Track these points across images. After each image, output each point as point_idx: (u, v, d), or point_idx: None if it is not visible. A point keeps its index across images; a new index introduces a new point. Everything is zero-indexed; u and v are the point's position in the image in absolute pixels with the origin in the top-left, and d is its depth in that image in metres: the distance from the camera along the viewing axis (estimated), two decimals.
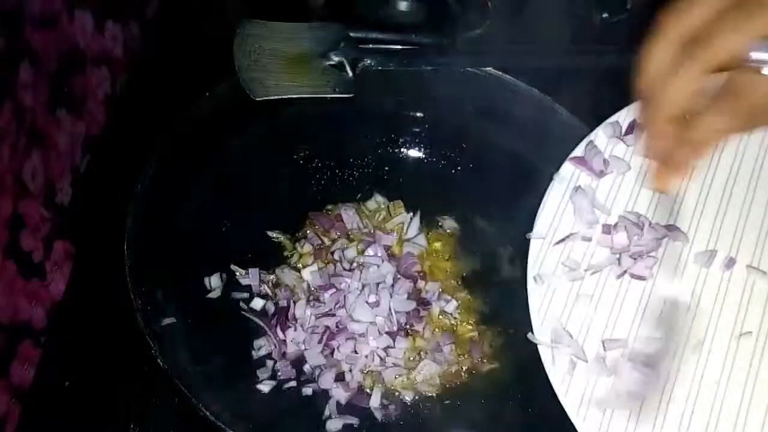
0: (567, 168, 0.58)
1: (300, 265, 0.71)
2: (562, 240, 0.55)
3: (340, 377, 0.66)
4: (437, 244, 0.74)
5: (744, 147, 0.58)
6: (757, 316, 0.52)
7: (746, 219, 0.55)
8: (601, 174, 0.58)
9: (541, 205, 0.57)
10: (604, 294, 0.53)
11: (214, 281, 0.69)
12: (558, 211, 0.57)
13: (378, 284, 0.69)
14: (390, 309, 0.68)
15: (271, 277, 0.71)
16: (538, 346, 0.52)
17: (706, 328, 0.52)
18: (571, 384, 0.51)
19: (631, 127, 0.59)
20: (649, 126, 0.48)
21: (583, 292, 0.53)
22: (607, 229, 0.55)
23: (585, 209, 0.56)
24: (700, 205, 0.56)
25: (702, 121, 0.46)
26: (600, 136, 0.59)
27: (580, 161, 0.58)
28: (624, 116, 0.59)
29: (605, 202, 0.56)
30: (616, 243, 0.55)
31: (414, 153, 0.78)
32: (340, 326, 0.67)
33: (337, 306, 0.68)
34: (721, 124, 0.46)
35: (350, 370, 0.66)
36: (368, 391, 0.66)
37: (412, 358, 0.68)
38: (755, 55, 0.43)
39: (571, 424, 0.51)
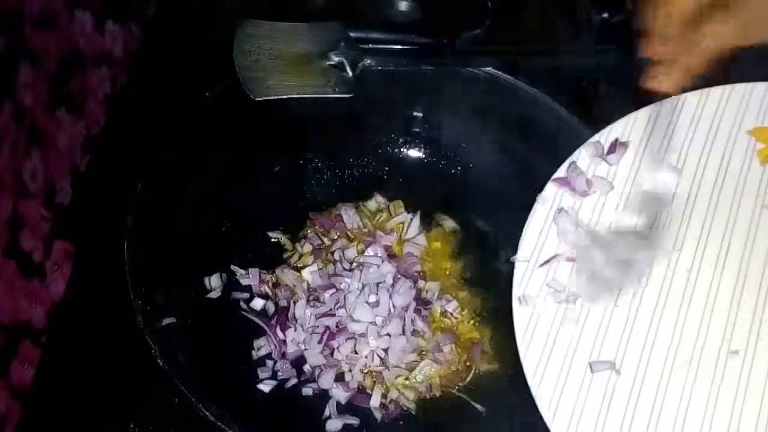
0: (550, 189, 0.58)
1: (300, 265, 0.71)
2: (547, 262, 0.55)
3: (340, 377, 0.66)
4: (437, 244, 0.74)
5: (727, 162, 0.57)
6: (744, 332, 0.51)
7: (730, 238, 0.54)
8: (584, 194, 0.57)
9: (525, 227, 0.57)
10: (590, 315, 0.53)
11: (214, 281, 0.69)
12: (542, 232, 0.56)
13: (378, 284, 0.69)
14: (390, 309, 0.68)
15: (271, 277, 0.71)
16: (525, 372, 0.52)
17: (693, 346, 0.51)
18: (558, 407, 0.50)
19: (614, 146, 0.58)
20: (659, 26, 0.52)
21: (569, 315, 0.53)
22: None
23: (568, 231, 0.56)
24: (684, 223, 0.55)
25: (705, 26, 0.50)
26: (582, 156, 0.58)
27: (563, 182, 0.58)
28: (606, 136, 0.59)
29: (589, 223, 0.56)
30: None
31: (414, 153, 0.78)
32: (340, 326, 0.67)
33: (337, 306, 0.68)
34: (723, 32, 0.50)
35: (350, 370, 0.67)
36: (368, 391, 0.66)
37: (412, 358, 0.67)
38: None
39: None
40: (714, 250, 0.54)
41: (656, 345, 0.51)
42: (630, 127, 0.59)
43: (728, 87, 0.59)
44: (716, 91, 0.59)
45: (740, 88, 0.59)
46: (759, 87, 0.59)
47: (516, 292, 0.54)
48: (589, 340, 0.52)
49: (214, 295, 0.68)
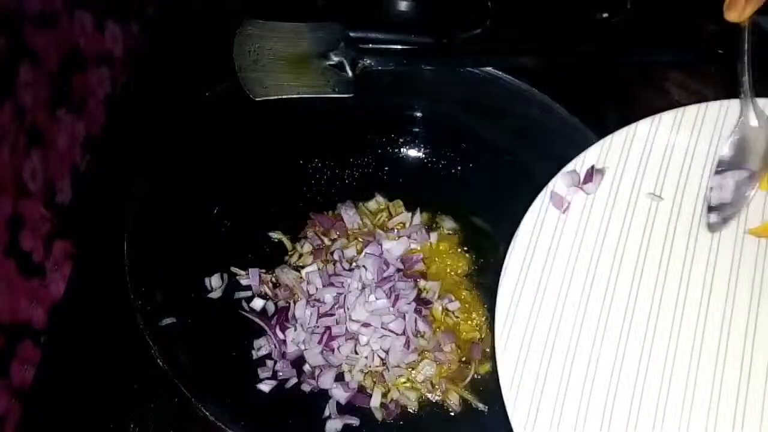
0: (527, 224, 0.57)
1: (300, 265, 0.71)
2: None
3: (340, 377, 0.66)
4: (438, 244, 0.74)
5: (706, 184, 0.57)
6: (737, 360, 0.51)
7: (714, 265, 0.54)
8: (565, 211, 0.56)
9: (504, 266, 0.55)
10: (577, 359, 0.52)
11: (215, 281, 0.69)
12: (521, 272, 0.55)
13: (378, 284, 0.68)
14: (390, 309, 0.67)
15: (271, 277, 0.71)
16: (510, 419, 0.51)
17: (686, 380, 0.51)
18: None
19: (590, 175, 0.57)
20: None
21: (555, 363, 0.52)
22: None
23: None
24: (666, 251, 0.55)
25: None
26: (558, 186, 0.57)
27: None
28: (581, 163, 0.58)
29: (570, 252, 0.55)
30: None
31: (414, 153, 0.78)
32: (340, 326, 0.67)
33: (337, 306, 0.68)
34: None
35: (350, 371, 0.66)
36: (368, 391, 0.66)
37: (412, 358, 0.67)
38: None
39: None
40: (699, 278, 0.53)
41: (647, 385, 0.51)
42: (605, 152, 0.58)
43: (703, 105, 0.58)
44: (691, 110, 0.58)
45: (715, 106, 0.58)
46: (734, 104, 0.57)
47: (499, 336, 0.53)
48: (577, 387, 0.51)
49: (215, 295, 0.68)
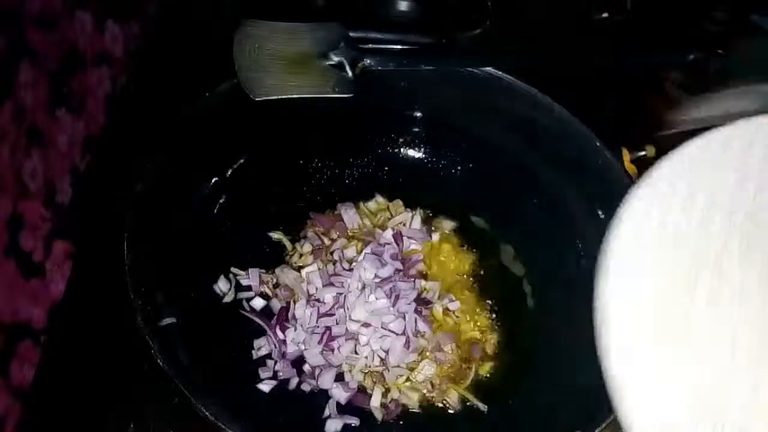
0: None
1: (300, 265, 0.71)
2: None
3: (340, 377, 0.66)
4: (438, 244, 0.74)
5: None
6: None
7: None
8: None
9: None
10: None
11: (223, 285, 0.69)
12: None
13: (378, 284, 0.68)
14: (390, 309, 0.67)
15: (271, 277, 0.71)
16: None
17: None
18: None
19: None
20: None
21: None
22: None
23: None
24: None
25: None
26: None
27: None
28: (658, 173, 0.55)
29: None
30: None
31: (414, 153, 0.78)
32: (340, 326, 0.67)
33: (337, 306, 0.68)
34: None
35: (350, 371, 0.66)
36: (369, 391, 0.66)
37: (412, 358, 0.67)
38: None
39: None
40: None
41: None
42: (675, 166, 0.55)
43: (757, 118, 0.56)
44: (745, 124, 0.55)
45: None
46: None
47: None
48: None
49: (227, 299, 0.68)
